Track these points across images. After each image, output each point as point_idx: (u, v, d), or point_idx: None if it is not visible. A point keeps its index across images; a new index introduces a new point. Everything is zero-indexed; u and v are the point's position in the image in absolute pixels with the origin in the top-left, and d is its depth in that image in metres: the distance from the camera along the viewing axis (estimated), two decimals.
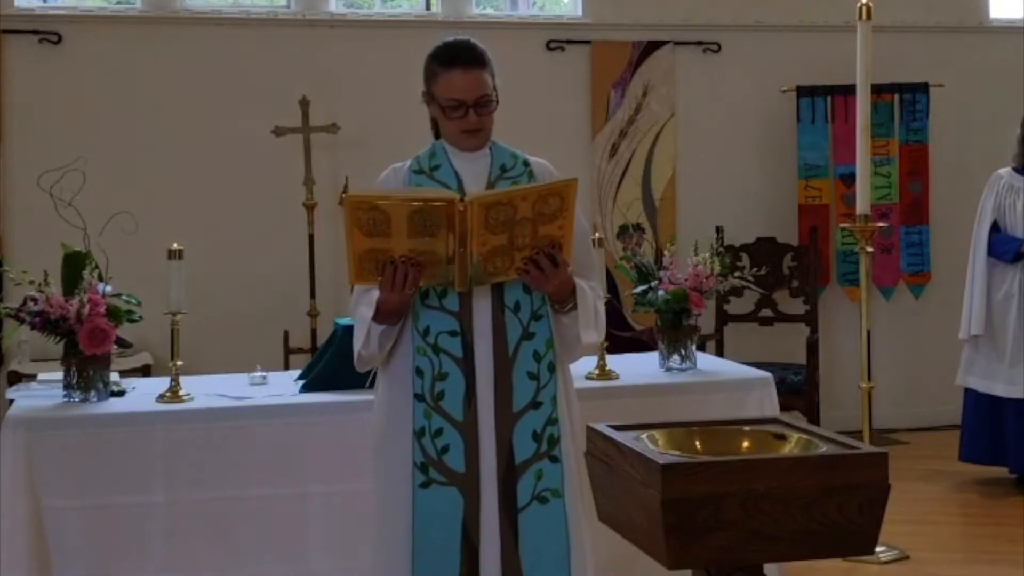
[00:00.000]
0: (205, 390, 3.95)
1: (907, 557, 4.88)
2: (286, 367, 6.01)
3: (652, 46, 7.09)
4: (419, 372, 2.94)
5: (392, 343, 2.98)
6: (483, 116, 3.01)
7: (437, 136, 3.13)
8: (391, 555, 2.95)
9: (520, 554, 2.90)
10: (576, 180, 2.88)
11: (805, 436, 2.66)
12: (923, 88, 7.21)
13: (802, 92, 7.16)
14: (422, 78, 3.06)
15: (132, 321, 3.89)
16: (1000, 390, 5.86)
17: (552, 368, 2.97)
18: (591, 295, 3.04)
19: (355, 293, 3.05)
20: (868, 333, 5.20)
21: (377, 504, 3.04)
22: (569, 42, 7.02)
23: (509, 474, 2.91)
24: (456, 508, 2.90)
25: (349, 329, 3.21)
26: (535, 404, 2.94)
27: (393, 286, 2.85)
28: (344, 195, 2.91)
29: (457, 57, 3.00)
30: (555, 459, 2.94)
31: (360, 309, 2.99)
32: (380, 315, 2.93)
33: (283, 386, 4.05)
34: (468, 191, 2.99)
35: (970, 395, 6.02)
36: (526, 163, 3.09)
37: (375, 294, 2.92)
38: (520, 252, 2.86)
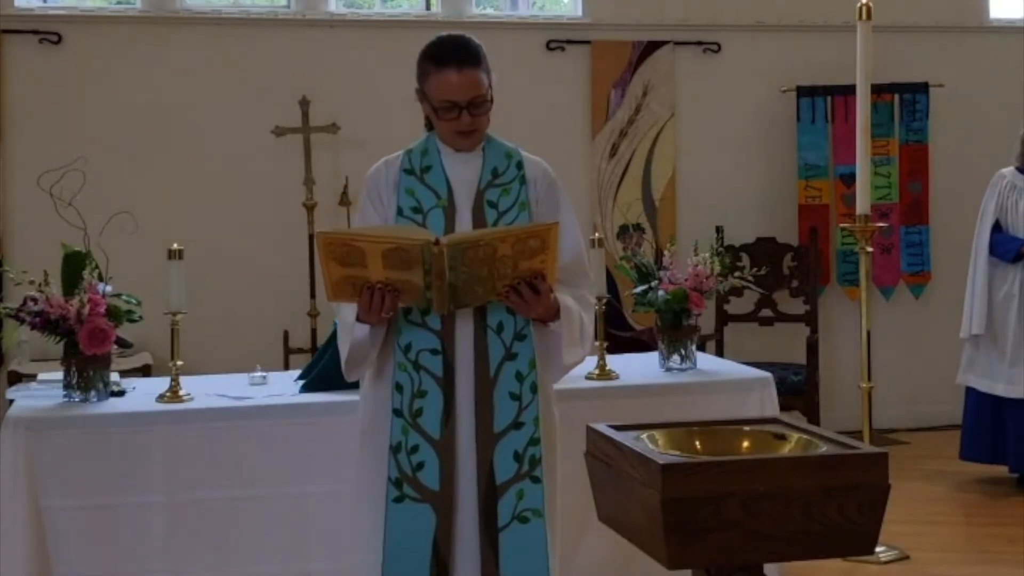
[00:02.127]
0: (205, 390, 3.95)
1: (907, 557, 4.88)
2: (286, 367, 6.01)
3: (652, 46, 7.09)
4: (399, 387, 2.92)
5: (379, 346, 2.95)
6: (476, 116, 2.95)
7: (431, 128, 3.07)
8: (365, 567, 2.96)
9: (501, 573, 2.88)
10: (557, 224, 2.84)
11: (805, 436, 2.66)
12: (923, 88, 7.21)
13: (802, 92, 7.16)
14: (415, 74, 3.02)
15: (132, 321, 3.89)
16: (1001, 390, 5.86)
17: (535, 388, 2.94)
18: (577, 312, 3.00)
19: None
20: (868, 333, 5.20)
21: (355, 514, 3.05)
22: (569, 42, 7.02)
23: (490, 494, 2.89)
24: (428, 525, 2.88)
25: None
26: (517, 425, 2.92)
27: (370, 309, 2.83)
28: (317, 232, 2.89)
29: (451, 56, 2.93)
30: (537, 479, 2.91)
31: (343, 312, 2.98)
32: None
33: (283, 386, 4.05)
34: (457, 199, 2.97)
35: (971, 394, 6.02)
36: (519, 165, 3.04)
37: None
38: (501, 281, 2.84)
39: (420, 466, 2.89)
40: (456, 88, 2.92)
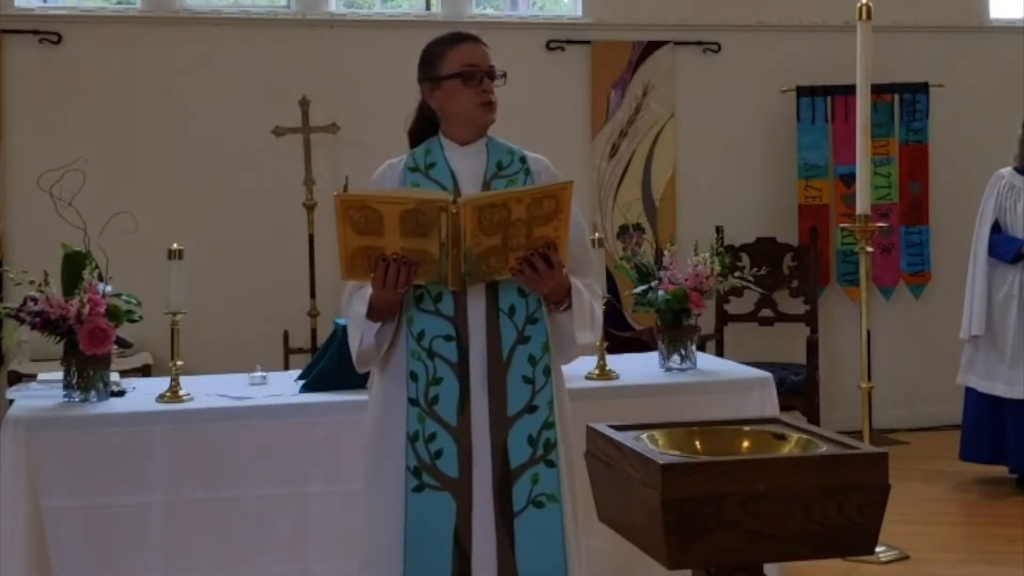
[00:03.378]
0: (205, 390, 3.94)
1: (907, 557, 4.88)
2: (286, 367, 6.01)
3: (652, 46, 7.09)
4: (413, 376, 2.92)
5: (389, 342, 2.95)
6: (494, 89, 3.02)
7: (431, 134, 3.08)
8: (382, 559, 2.94)
9: (516, 559, 2.88)
10: (571, 183, 2.86)
11: (805, 436, 2.66)
12: (923, 88, 7.21)
13: (802, 92, 7.16)
14: (421, 74, 3.04)
15: (132, 321, 3.89)
16: (1000, 390, 5.86)
17: (548, 372, 2.94)
18: (587, 295, 3.02)
19: (347, 291, 3.03)
20: (868, 333, 5.20)
21: (367, 506, 3.03)
22: (569, 42, 7.02)
23: (504, 479, 2.89)
24: (449, 513, 2.88)
25: None
26: (530, 408, 2.92)
27: (385, 283, 2.83)
28: (335, 195, 2.89)
29: (465, 34, 3.05)
30: (551, 464, 2.91)
31: (353, 307, 2.97)
32: (374, 312, 2.91)
33: (283, 386, 4.04)
34: (463, 190, 2.97)
35: (971, 395, 6.02)
36: (523, 159, 3.07)
37: (368, 291, 2.90)
38: (514, 253, 2.84)
39: (439, 454, 2.89)
40: (477, 54, 3.01)
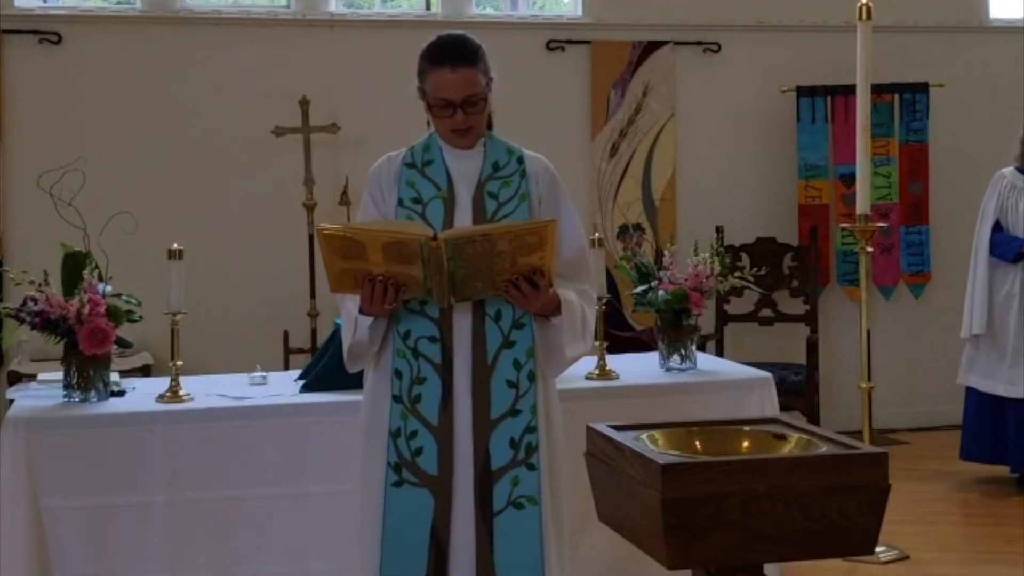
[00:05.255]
0: (205, 390, 3.95)
1: (907, 557, 4.88)
2: (286, 367, 6.01)
3: (652, 46, 7.09)
4: (398, 374, 2.96)
5: (381, 339, 2.98)
6: (472, 115, 2.99)
7: None
8: (366, 550, 2.99)
9: (495, 558, 2.91)
10: (555, 222, 2.88)
11: (805, 436, 2.66)
12: (923, 88, 7.21)
13: (802, 92, 7.16)
14: (415, 72, 3.06)
15: (132, 321, 3.89)
16: (1001, 390, 5.86)
17: (532, 377, 2.96)
18: (579, 305, 3.03)
19: None
20: (868, 333, 5.20)
21: (360, 499, 3.08)
22: (569, 42, 7.02)
23: (485, 480, 2.92)
24: (426, 509, 2.92)
25: None
26: (513, 412, 2.95)
27: (373, 301, 2.86)
28: (317, 227, 2.91)
29: (446, 55, 2.97)
30: (532, 467, 2.95)
31: (347, 303, 3.01)
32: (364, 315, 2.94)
33: (283, 386, 4.05)
34: (457, 191, 3.00)
35: (971, 394, 6.02)
36: (520, 160, 3.07)
37: None
38: (500, 276, 2.87)
39: (419, 451, 2.93)
40: (450, 86, 2.96)
